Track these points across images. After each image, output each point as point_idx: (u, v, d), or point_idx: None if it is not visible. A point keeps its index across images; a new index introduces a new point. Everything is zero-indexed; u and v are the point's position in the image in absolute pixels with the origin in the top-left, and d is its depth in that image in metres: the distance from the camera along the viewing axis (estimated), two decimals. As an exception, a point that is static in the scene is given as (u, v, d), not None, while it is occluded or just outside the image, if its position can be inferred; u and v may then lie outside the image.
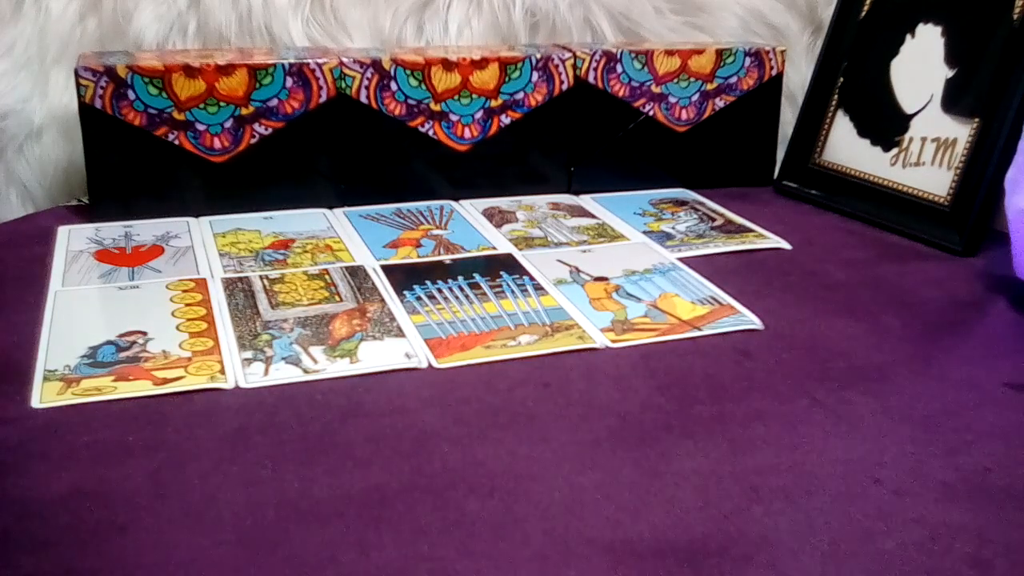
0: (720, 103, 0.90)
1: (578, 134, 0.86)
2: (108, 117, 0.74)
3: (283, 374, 0.54)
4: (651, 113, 0.88)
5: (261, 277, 0.66)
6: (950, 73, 0.80)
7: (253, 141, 0.78)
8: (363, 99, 0.79)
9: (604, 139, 0.88)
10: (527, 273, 0.69)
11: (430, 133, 0.82)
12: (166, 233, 0.74)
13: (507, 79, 0.83)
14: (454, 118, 0.82)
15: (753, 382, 0.55)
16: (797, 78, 0.97)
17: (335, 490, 0.44)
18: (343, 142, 0.80)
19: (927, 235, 0.78)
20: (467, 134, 0.83)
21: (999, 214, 0.74)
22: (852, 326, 0.63)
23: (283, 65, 0.77)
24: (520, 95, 0.83)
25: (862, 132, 0.86)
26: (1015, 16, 0.77)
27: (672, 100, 0.88)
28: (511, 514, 0.43)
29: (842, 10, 0.89)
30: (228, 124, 0.77)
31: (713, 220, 0.82)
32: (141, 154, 0.76)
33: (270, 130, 0.78)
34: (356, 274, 0.68)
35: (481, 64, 0.82)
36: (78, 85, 0.73)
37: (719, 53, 0.88)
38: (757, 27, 0.99)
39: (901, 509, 0.44)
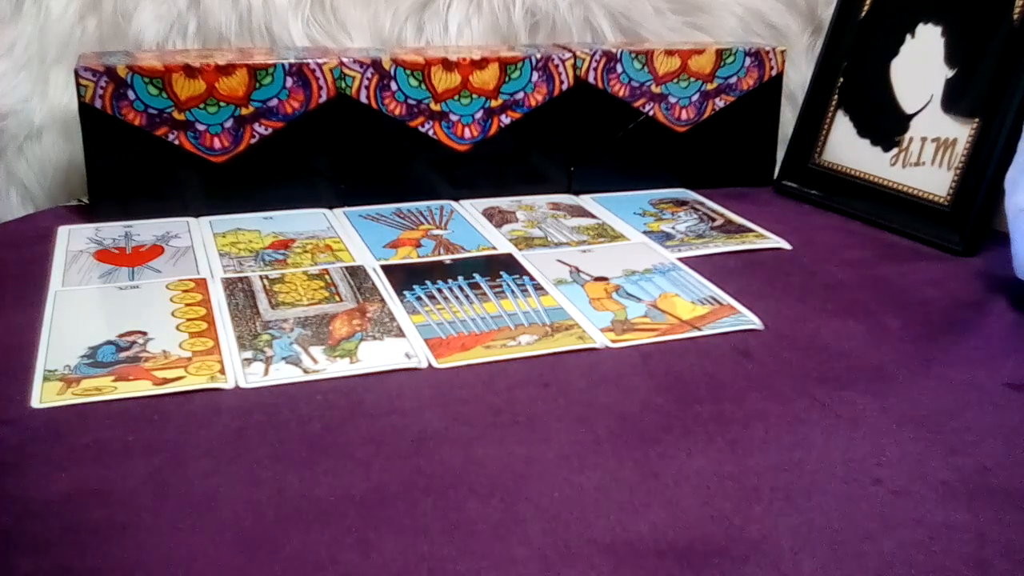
0: (720, 103, 0.90)
1: (578, 134, 0.86)
2: (108, 117, 0.74)
3: (283, 374, 0.54)
4: (651, 113, 0.88)
5: (261, 277, 0.67)
6: (950, 73, 0.80)
7: (253, 141, 0.78)
8: (363, 99, 0.79)
9: (604, 139, 0.88)
10: (527, 273, 0.69)
11: (430, 133, 0.82)
12: (166, 233, 0.74)
13: (507, 79, 0.83)
14: (454, 118, 0.82)
15: (753, 382, 0.55)
16: (797, 78, 0.97)
17: (335, 490, 0.44)
18: (343, 142, 0.80)
19: (927, 235, 0.78)
20: (467, 134, 0.83)
21: (999, 214, 0.74)
22: (852, 326, 0.63)
23: (283, 65, 0.77)
24: (520, 95, 0.83)
25: (862, 132, 0.86)
26: (1015, 16, 0.77)
27: (672, 100, 0.88)
28: (511, 514, 0.43)
29: (842, 10, 0.89)
30: (228, 124, 0.77)
31: (713, 220, 0.82)
32: (141, 154, 0.76)
33: (270, 130, 0.78)
34: (356, 274, 0.68)
35: (481, 64, 0.82)
36: (78, 85, 0.73)
37: (719, 53, 0.88)
38: (757, 27, 0.99)
39: (901, 509, 0.44)
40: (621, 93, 0.87)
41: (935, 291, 0.69)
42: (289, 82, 0.77)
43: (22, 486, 0.44)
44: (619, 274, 0.69)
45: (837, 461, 0.47)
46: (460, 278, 0.67)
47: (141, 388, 0.52)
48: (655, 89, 0.87)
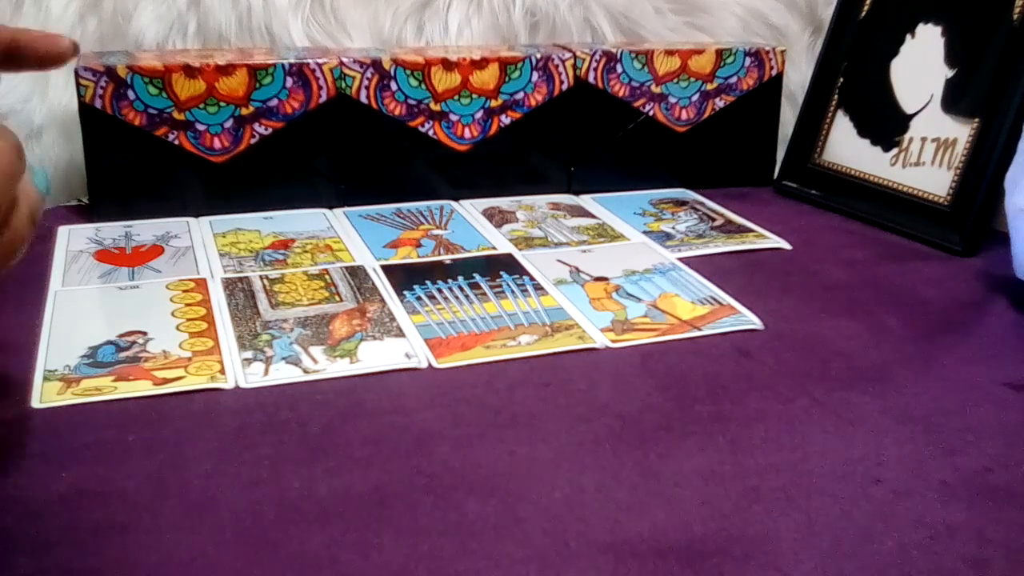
0: (720, 103, 0.90)
1: (578, 134, 0.86)
2: (108, 117, 0.74)
3: (283, 374, 0.54)
4: (651, 113, 0.88)
5: (261, 277, 0.67)
6: (950, 73, 0.80)
7: (253, 141, 0.78)
8: (363, 99, 0.79)
9: (604, 139, 0.88)
10: (527, 273, 0.69)
11: (430, 133, 0.82)
12: (166, 233, 0.74)
13: (507, 79, 0.83)
14: (454, 118, 0.82)
15: (753, 382, 0.55)
16: (797, 78, 0.97)
17: (335, 490, 0.44)
18: (343, 142, 0.80)
19: (927, 235, 0.78)
20: (467, 134, 0.83)
21: (999, 214, 0.74)
22: (852, 326, 0.63)
23: (283, 65, 0.77)
24: (520, 95, 0.83)
25: (862, 132, 0.86)
26: (1015, 16, 0.77)
27: (672, 100, 0.88)
28: (511, 514, 0.43)
29: (842, 10, 0.89)
30: (228, 124, 0.77)
31: (713, 220, 0.82)
32: (141, 154, 0.76)
33: (270, 130, 0.78)
34: (356, 274, 0.68)
35: (481, 64, 0.82)
36: (78, 85, 0.73)
37: (719, 53, 0.88)
38: (757, 27, 0.99)
39: (901, 509, 0.44)
40: (621, 93, 0.87)
41: (935, 291, 0.69)
42: (289, 82, 0.77)
43: (22, 486, 0.44)
44: (619, 274, 0.69)
45: (837, 461, 0.47)
46: (460, 278, 0.67)
47: (141, 388, 0.52)
48: (655, 89, 0.87)
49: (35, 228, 0.46)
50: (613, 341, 0.59)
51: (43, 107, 0.83)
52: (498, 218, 0.80)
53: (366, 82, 0.79)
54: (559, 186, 0.87)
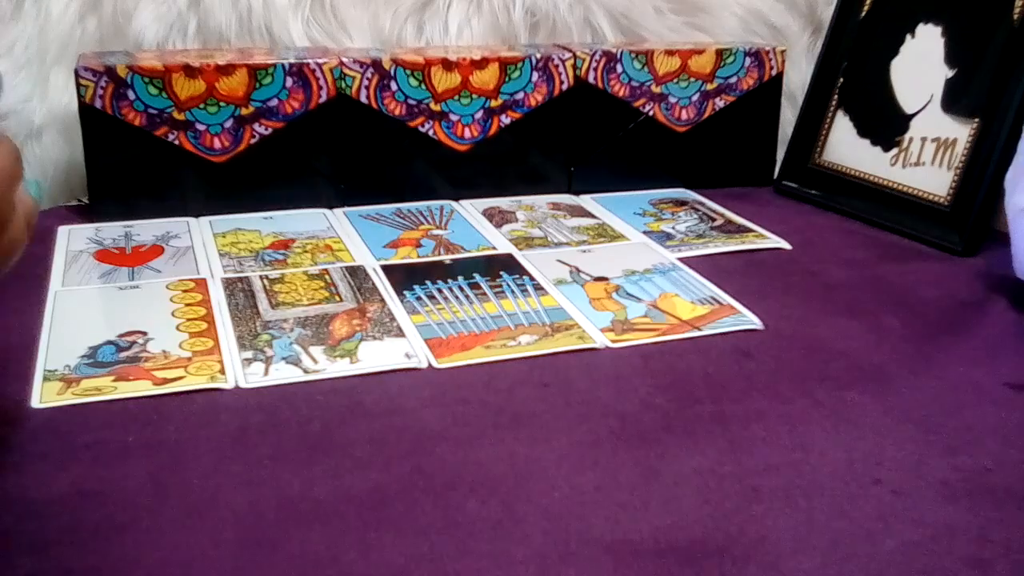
0: (720, 103, 0.90)
1: (578, 134, 0.86)
2: (108, 117, 0.74)
3: (283, 374, 0.54)
4: (651, 113, 0.88)
5: (261, 277, 0.67)
6: (950, 73, 0.80)
7: (253, 141, 0.78)
8: (363, 99, 0.79)
9: (604, 139, 0.88)
10: (527, 273, 0.69)
11: (430, 133, 0.82)
12: (166, 233, 0.74)
13: (507, 79, 0.83)
14: (454, 118, 0.82)
15: (753, 382, 0.55)
16: (797, 78, 0.97)
17: (335, 490, 0.44)
18: (343, 142, 0.80)
19: (927, 235, 0.78)
20: (467, 134, 0.83)
21: (999, 214, 0.74)
22: (852, 326, 0.63)
23: (283, 65, 0.77)
24: (520, 95, 0.83)
25: (862, 132, 0.86)
26: (1015, 16, 0.77)
27: (672, 100, 0.88)
28: (511, 514, 0.43)
29: (842, 10, 0.89)
30: (228, 124, 0.77)
31: (713, 220, 0.82)
32: (141, 154, 0.76)
33: (270, 130, 0.78)
34: (356, 274, 0.68)
35: (481, 64, 0.82)
36: (78, 85, 0.73)
37: (719, 53, 0.88)
38: (757, 27, 0.99)
39: (901, 509, 0.44)
40: (621, 93, 0.87)
41: (935, 291, 0.69)
42: (289, 82, 0.77)
43: (22, 486, 0.44)
44: (619, 274, 0.69)
45: (837, 461, 0.47)
46: (460, 278, 0.67)
47: (141, 388, 0.52)
48: (655, 89, 0.87)
49: (30, 234, 0.46)
50: (613, 341, 0.59)
51: (43, 107, 0.83)
52: (498, 218, 0.80)
53: (366, 82, 0.79)
54: (559, 186, 0.87)
